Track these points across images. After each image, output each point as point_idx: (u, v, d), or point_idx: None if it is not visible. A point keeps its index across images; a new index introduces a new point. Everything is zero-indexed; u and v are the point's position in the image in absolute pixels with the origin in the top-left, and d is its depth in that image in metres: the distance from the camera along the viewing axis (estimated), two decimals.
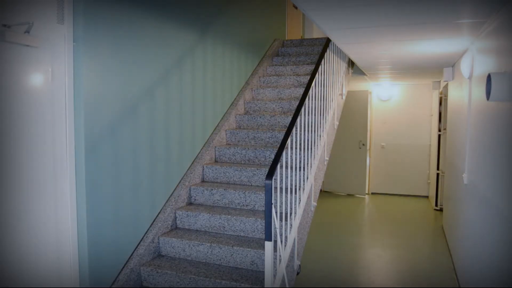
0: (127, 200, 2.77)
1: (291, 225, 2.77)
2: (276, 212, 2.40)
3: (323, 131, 3.62)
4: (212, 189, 3.40)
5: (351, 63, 5.39)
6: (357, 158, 8.24)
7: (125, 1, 2.70)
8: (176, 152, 3.36)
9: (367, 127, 8.14)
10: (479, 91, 2.94)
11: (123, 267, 2.73)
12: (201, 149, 3.76)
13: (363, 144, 8.20)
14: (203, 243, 2.91)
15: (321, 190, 4.32)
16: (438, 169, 6.92)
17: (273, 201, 2.34)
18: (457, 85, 4.48)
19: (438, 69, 5.12)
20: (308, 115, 3.21)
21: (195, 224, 3.21)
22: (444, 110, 6.51)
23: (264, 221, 2.58)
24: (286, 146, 2.68)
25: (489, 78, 2.20)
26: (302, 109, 3.02)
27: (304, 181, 3.08)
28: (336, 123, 4.34)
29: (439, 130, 6.91)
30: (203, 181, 3.68)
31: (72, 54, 2.34)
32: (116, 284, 2.63)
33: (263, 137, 3.95)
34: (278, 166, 2.52)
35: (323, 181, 8.18)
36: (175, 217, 3.25)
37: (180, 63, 3.39)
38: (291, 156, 3.03)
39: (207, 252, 2.90)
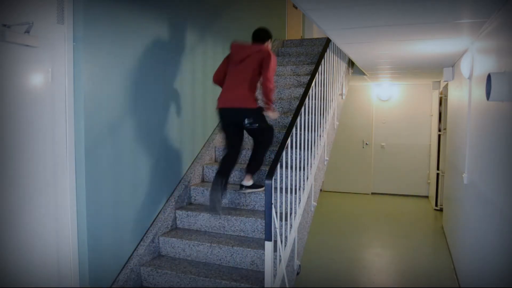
0: (127, 200, 2.77)
1: (291, 225, 2.77)
2: (276, 212, 2.40)
3: (323, 131, 3.62)
4: None
5: (351, 63, 5.39)
6: (361, 158, 8.27)
7: (125, 1, 2.70)
8: (176, 152, 3.35)
9: (371, 126, 8.17)
10: (479, 91, 2.94)
11: (123, 267, 2.73)
12: (201, 149, 3.76)
13: (367, 144, 8.23)
14: (203, 243, 2.91)
15: (321, 190, 4.31)
16: (438, 169, 6.91)
17: (273, 201, 2.34)
18: (457, 85, 4.48)
19: (438, 69, 5.11)
20: (308, 115, 3.21)
21: (195, 224, 3.21)
22: (444, 110, 6.51)
23: (264, 221, 2.57)
24: (286, 146, 2.69)
25: (489, 78, 2.20)
26: (302, 109, 3.02)
27: (304, 181, 3.08)
28: (336, 123, 4.34)
29: (439, 130, 6.91)
30: (203, 181, 3.68)
31: (72, 54, 2.34)
32: (116, 284, 2.63)
33: None
34: (278, 166, 2.52)
35: (326, 180, 8.24)
36: (175, 217, 3.25)
37: (180, 63, 3.38)
38: (291, 156, 3.03)
39: (207, 252, 2.90)
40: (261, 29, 3.32)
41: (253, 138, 3.24)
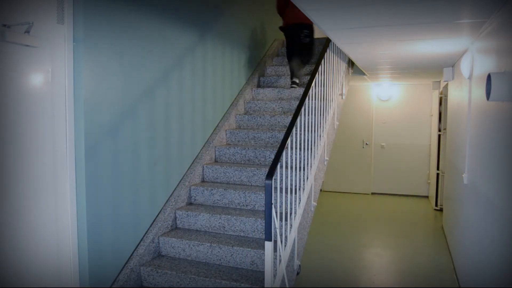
0: (127, 200, 2.77)
1: (291, 225, 2.77)
2: (276, 212, 2.40)
3: (323, 131, 3.62)
4: (212, 189, 3.40)
5: (351, 63, 5.39)
6: (361, 158, 8.27)
7: (126, 1, 2.70)
8: (176, 152, 3.35)
9: (371, 126, 8.17)
10: (479, 91, 2.94)
11: (123, 267, 2.73)
12: (201, 149, 3.76)
13: (367, 144, 8.24)
14: (203, 243, 2.91)
15: (321, 190, 4.31)
16: (438, 169, 6.91)
17: (273, 201, 2.34)
18: (457, 85, 4.48)
19: (438, 69, 5.11)
20: (308, 115, 3.21)
21: (195, 224, 3.21)
22: (444, 110, 6.51)
23: (264, 221, 2.58)
24: (286, 146, 2.69)
25: (489, 78, 2.20)
26: (302, 109, 3.02)
27: (304, 181, 3.08)
28: (336, 123, 4.34)
29: (439, 130, 6.91)
30: (203, 181, 3.68)
31: (72, 54, 2.34)
32: (116, 284, 2.63)
33: (263, 137, 3.95)
34: (278, 166, 2.52)
35: (326, 180, 8.24)
36: (175, 217, 3.25)
37: (180, 63, 3.38)
38: (291, 156, 3.03)
39: (207, 252, 2.90)
40: None
41: (302, 53, 4.48)
